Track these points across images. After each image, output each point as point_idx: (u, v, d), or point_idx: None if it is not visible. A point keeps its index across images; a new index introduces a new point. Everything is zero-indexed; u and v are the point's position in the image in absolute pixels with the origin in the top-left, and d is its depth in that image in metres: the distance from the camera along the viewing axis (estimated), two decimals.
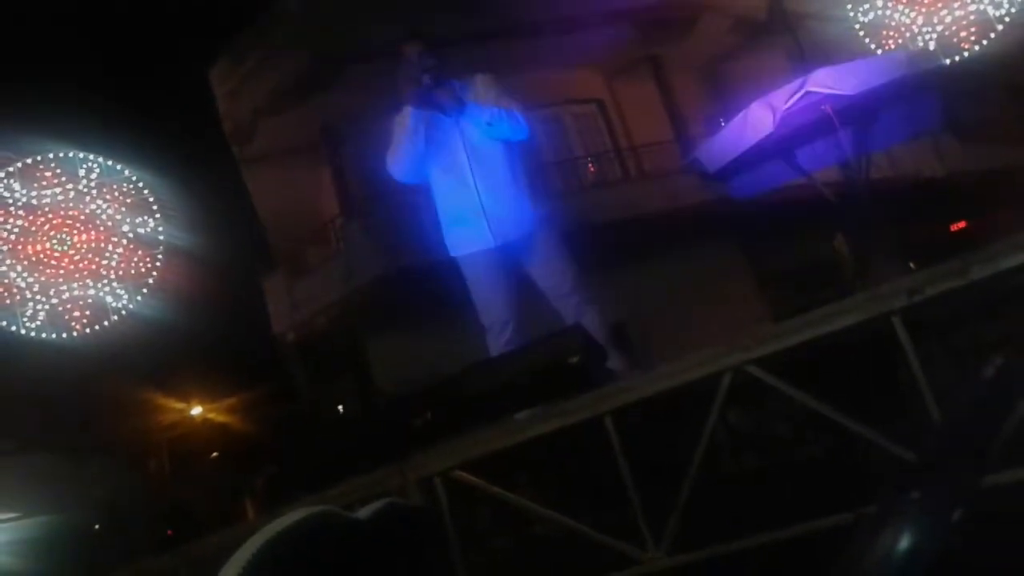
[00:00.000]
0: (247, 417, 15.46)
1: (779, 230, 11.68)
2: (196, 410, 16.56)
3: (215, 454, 16.31)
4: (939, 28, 13.12)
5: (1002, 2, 12.73)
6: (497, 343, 4.07)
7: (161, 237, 14.07)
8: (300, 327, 13.38)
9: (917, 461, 2.32)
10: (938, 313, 2.86)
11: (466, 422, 3.47)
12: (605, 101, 15.12)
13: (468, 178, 4.08)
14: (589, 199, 12.33)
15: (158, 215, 14.09)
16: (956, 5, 13.11)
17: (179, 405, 16.12)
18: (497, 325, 4.09)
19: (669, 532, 2.77)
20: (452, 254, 4.23)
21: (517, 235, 4.08)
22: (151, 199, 14.16)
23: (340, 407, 11.90)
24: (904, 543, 0.97)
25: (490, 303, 4.13)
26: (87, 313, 13.50)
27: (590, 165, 14.04)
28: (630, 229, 11.68)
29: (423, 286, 10.94)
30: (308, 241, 14.30)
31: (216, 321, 14.26)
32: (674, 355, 3.25)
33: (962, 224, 14.86)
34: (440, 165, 4.16)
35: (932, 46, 12.98)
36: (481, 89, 4.12)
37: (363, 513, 1.40)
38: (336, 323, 13.05)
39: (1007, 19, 12.69)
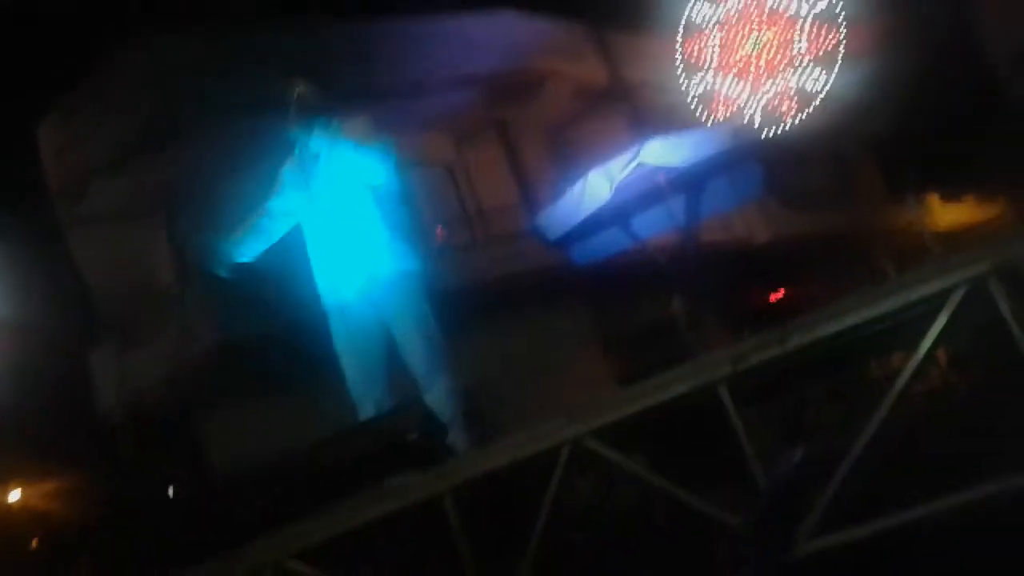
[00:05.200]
0: (70, 501, 14.31)
1: (622, 293, 12.02)
2: (14, 494, 15.21)
3: (35, 542, 14.98)
4: (762, 101, 14.05)
5: (820, 77, 13.81)
6: (366, 407, 3.94)
7: None
8: (129, 402, 12.60)
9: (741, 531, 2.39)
10: (763, 376, 3.00)
11: (300, 506, 3.32)
12: (454, 165, 15.27)
13: (336, 224, 3.99)
14: (437, 265, 12.30)
15: None
16: (778, 79, 14.10)
17: None
18: (364, 388, 3.95)
19: None
20: (323, 304, 4.09)
21: (381, 286, 3.95)
22: None
23: (170, 488, 11.23)
24: None
25: (354, 360, 3.98)
26: None
27: (439, 230, 14.08)
28: (478, 294, 11.72)
29: (260, 357, 10.58)
30: (141, 310, 13.52)
31: (37, 399, 13.24)
32: (522, 422, 3.28)
33: (781, 293, 16.21)
34: (310, 211, 4.07)
35: (757, 117, 13.88)
36: (350, 127, 4.05)
37: None
38: (168, 397, 12.38)
39: (824, 92, 13.75)
